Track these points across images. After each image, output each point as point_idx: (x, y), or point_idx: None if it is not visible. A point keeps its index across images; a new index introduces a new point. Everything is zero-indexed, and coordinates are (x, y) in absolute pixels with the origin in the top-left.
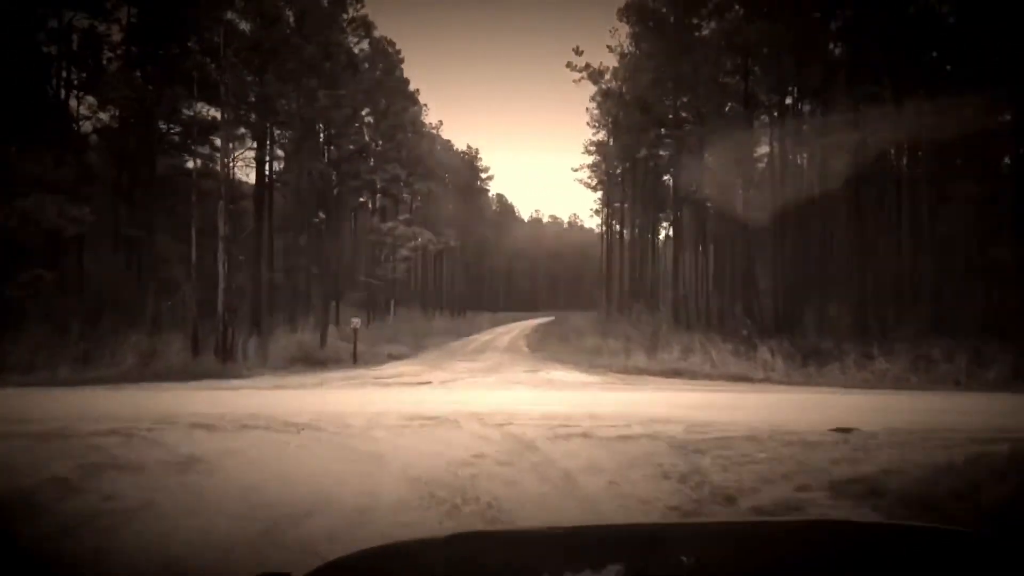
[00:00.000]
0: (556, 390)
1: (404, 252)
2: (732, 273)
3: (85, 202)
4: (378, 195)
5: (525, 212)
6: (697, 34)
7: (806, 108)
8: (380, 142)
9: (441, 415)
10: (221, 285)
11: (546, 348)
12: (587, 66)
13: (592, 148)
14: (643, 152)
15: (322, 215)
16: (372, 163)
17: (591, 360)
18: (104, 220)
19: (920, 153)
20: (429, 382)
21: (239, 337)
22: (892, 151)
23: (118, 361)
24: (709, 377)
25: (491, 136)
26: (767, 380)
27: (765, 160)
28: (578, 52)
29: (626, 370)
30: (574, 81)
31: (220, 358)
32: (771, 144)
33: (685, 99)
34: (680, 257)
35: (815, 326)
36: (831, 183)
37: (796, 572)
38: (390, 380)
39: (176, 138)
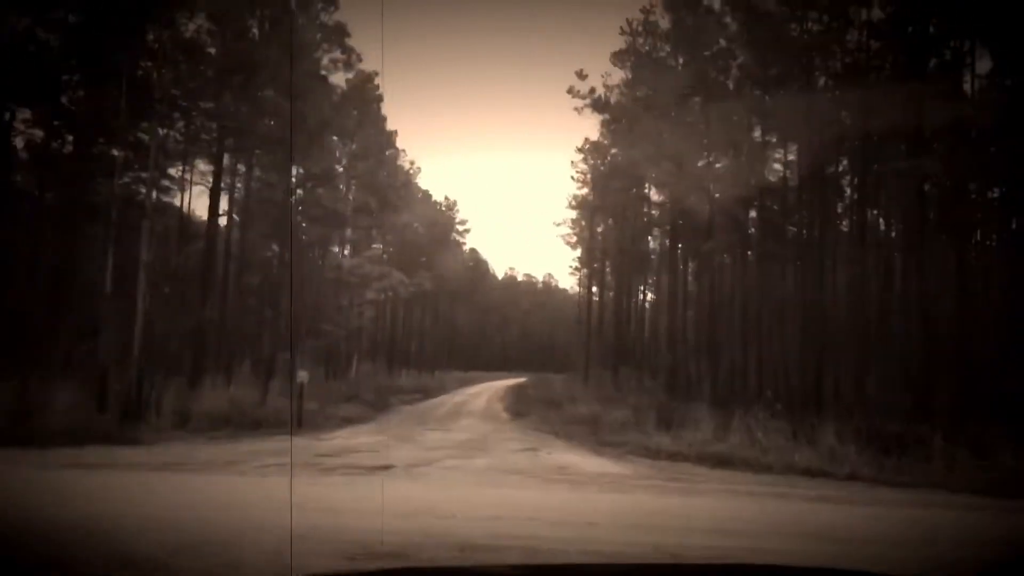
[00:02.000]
0: (580, 489)
1: (370, 294)
2: (742, 334)
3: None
4: (347, 229)
5: (499, 270)
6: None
7: None
8: (347, 164)
9: (406, 560)
10: (139, 323)
11: (532, 415)
12: (592, 91)
13: (575, 203)
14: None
15: (275, 248)
16: (339, 189)
17: (595, 435)
18: (23, 246)
19: None
20: (391, 466)
21: (155, 390)
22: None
23: None
24: (770, 469)
25: (466, 189)
26: (853, 477)
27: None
28: (582, 76)
29: (650, 452)
30: (575, 109)
31: (126, 416)
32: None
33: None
34: (674, 316)
35: (856, 402)
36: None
37: None
38: (336, 459)
39: (117, 158)
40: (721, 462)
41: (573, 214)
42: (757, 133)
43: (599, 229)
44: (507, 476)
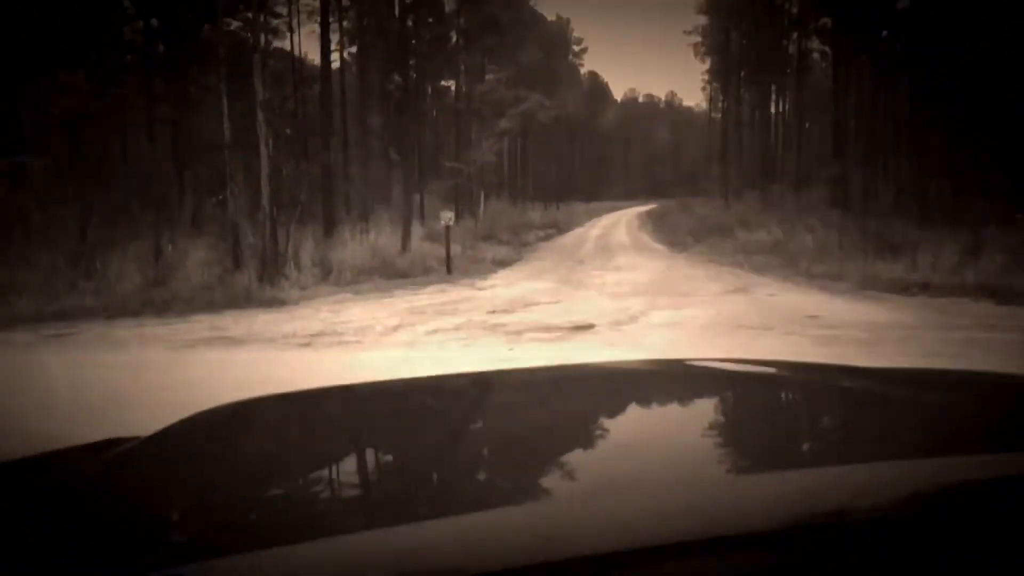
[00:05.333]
0: (875, 351)
1: (504, 124)
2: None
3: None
4: (460, 55)
5: (617, 90)
6: None
7: None
8: None
9: None
10: (265, 170)
11: (698, 246)
12: None
13: (706, 6)
14: None
15: (398, 79)
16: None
17: (794, 266)
18: (135, 100)
19: None
20: (591, 324)
21: (292, 242)
22: None
23: (115, 283)
24: None
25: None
26: None
27: None
28: None
29: (890, 285)
30: None
31: (262, 273)
32: None
33: None
34: (841, 123)
35: None
36: None
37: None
38: (514, 316)
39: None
40: (995, 294)
41: (704, 19)
42: None
43: (733, 35)
44: (755, 336)
